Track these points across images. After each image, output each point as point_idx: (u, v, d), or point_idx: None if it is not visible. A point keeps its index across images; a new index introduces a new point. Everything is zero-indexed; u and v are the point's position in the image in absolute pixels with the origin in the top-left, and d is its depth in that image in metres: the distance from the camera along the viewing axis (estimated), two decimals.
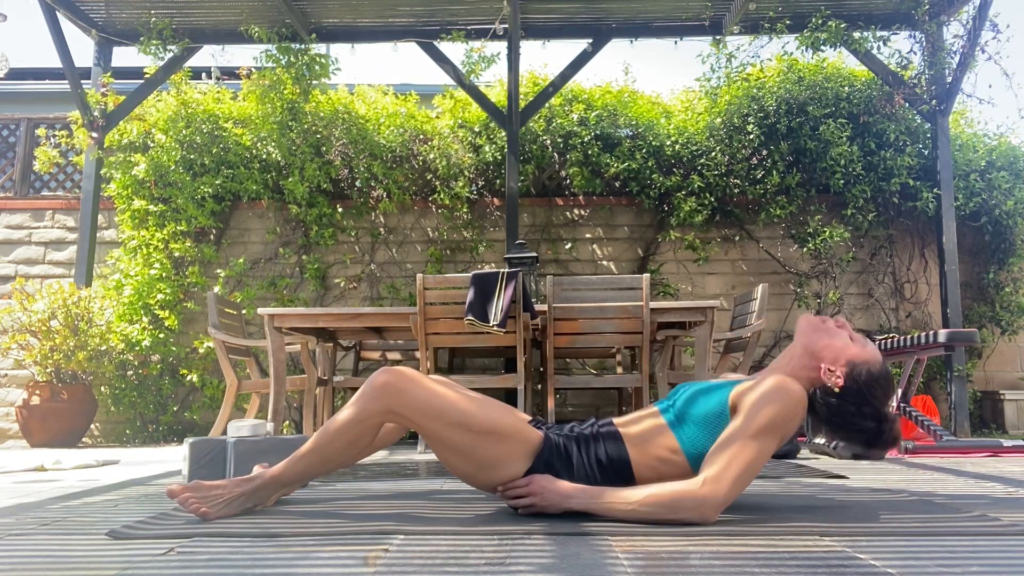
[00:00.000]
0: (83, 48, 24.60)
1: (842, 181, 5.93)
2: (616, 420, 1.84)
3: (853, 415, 1.70)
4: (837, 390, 1.70)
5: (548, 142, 6.22)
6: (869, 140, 6.04)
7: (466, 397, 1.73)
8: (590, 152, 6.10)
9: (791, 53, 6.22)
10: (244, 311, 5.23)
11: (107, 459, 3.68)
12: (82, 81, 6.04)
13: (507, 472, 1.73)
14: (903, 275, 6.15)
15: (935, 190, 5.72)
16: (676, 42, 6.32)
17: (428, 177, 6.28)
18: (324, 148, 6.15)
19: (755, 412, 1.61)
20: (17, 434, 5.82)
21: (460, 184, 6.08)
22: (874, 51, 5.84)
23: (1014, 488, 2.30)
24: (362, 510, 1.84)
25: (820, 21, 5.71)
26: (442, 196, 6.14)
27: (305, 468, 1.80)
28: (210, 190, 6.05)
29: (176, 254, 6.11)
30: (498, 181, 6.28)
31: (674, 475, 1.72)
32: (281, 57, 6.10)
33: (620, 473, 1.74)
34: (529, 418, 1.87)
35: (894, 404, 1.75)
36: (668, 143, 6.11)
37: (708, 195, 6.01)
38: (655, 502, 1.58)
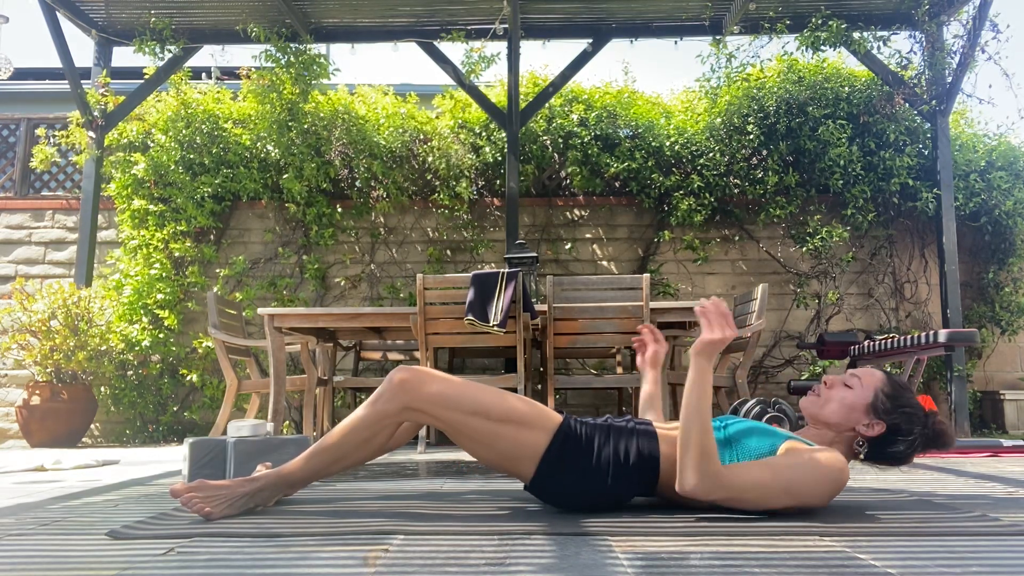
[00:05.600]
0: (83, 48, 24.61)
1: (841, 181, 5.94)
2: (655, 422, 1.85)
3: (906, 435, 1.77)
4: (883, 434, 1.77)
5: (548, 142, 6.22)
6: (869, 140, 6.04)
7: (481, 387, 1.75)
8: (590, 152, 6.10)
9: (791, 53, 6.22)
10: (244, 311, 5.23)
11: (107, 459, 3.68)
12: (82, 81, 6.04)
13: (529, 456, 1.73)
14: (903, 275, 6.15)
15: (935, 190, 5.72)
16: (676, 42, 6.33)
17: (428, 177, 6.28)
18: (324, 148, 6.15)
19: (798, 456, 1.62)
20: (17, 434, 5.82)
21: (461, 185, 6.08)
22: (874, 51, 5.84)
23: (1014, 488, 2.30)
24: (362, 510, 1.84)
25: (820, 21, 5.71)
26: (442, 196, 6.14)
27: (316, 468, 1.80)
28: (210, 190, 6.05)
29: (176, 254, 6.11)
30: (498, 181, 6.28)
31: None
32: (281, 57, 6.10)
33: (645, 470, 1.74)
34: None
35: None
36: (668, 143, 6.12)
37: (708, 195, 6.01)
38: (700, 443, 1.57)
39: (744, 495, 1.60)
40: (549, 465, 1.71)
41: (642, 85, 11.99)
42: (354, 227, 6.32)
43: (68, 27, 6.05)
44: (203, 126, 6.17)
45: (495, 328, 3.75)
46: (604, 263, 6.25)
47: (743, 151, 6.05)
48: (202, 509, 1.68)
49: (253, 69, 6.26)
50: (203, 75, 7.11)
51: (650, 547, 1.37)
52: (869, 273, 6.15)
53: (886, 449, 1.79)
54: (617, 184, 6.25)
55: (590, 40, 6.19)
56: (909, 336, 4.08)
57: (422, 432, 3.89)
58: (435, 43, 6.16)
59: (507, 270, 3.86)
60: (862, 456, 1.81)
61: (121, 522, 1.71)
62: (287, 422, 5.97)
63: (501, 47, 6.07)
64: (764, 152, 6.04)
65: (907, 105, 5.87)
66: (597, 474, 1.71)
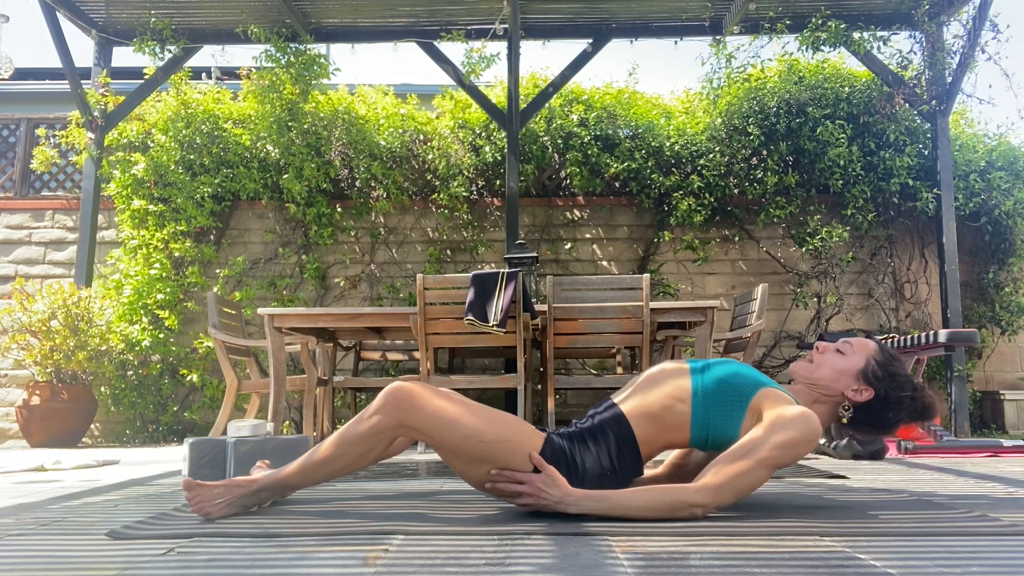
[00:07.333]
0: (83, 48, 24.62)
1: (841, 181, 5.94)
2: (616, 397, 1.85)
3: (895, 403, 1.80)
4: (871, 400, 1.80)
5: (548, 142, 6.22)
6: (869, 140, 6.04)
7: (476, 410, 1.74)
8: (590, 152, 6.10)
9: (791, 53, 6.22)
10: (244, 311, 5.23)
11: (107, 459, 3.68)
12: (82, 81, 6.04)
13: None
14: (903, 275, 6.15)
15: (935, 190, 5.72)
16: (676, 42, 6.33)
17: (428, 177, 6.28)
18: (324, 148, 6.15)
19: (773, 433, 1.64)
20: (17, 434, 5.82)
21: (459, 184, 6.08)
22: (874, 51, 5.84)
23: (1014, 488, 2.30)
24: (362, 510, 1.84)
25: (820, 21, 5.71)
26: (442, 196, 6.14)
27: (312, 477, 1.80)
28: (209, 190, 6.05)
29: (176, 254, 6.11)
30: (498, 181, 6.28)
31: (672, 426, 1.75)
32: (281, 57, 6.10)
33: (629, 458, 1.75)
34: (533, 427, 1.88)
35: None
36: (668, 143, 6.12)
37: (708, 195, 6.01)
38: (653, 507, 1.62)
39: (741, 495, 1.65)
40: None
41: (643, 86, 11.98)
42: (354, 227, 6.32)
43: (68, 27, 6.05)
44: (203, 126, 6.17)
45: (495, 328, 3.75)
46: (604, 263, 6.25)
47: (743, 151, 6.05)
48: (202, 508, 1.69)
49: (253, 69, 6.26)
50: (203, 75, 7.11)
51: (650, 547, 1.37)
52: (869, 273, 6.15)
53: (873, 416, 1.81)
54: (617, 184, 6.25)
55: (590, 40, 6.19)
56: (909, 336, 4.08)
57: None
58: (435, 43, 6.16)
59: (507, 270, 3.86)
60: (846, 420, 1.81)
61: (121, 522, 1.71)
62: (287, 422, 5.97)
63: (501, 47, 6.07)
64: (764, 152, 6.04)
65: (907, 105, 5.87)
66: (586, 484, 1.71)
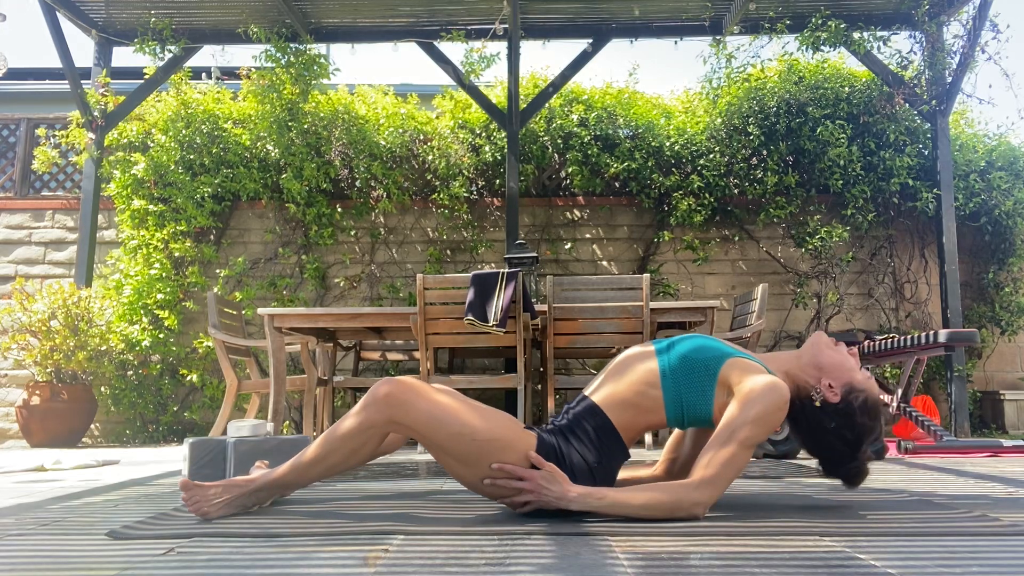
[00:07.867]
0: (83, 48, 24.60)
1: (840, 181, 5.94)
2: (587, 389, 1.86)
3: (832, 433, 1.79)
4: (831, 404, 1.78)
5: (548, 142, 6.22)
6: (869, 140, 6.04)
7: (468, 406, 1.72)
8: (590, 152, 6.10)
9: (791, 53, 6.22)
10: (244, 311, 5.23)
11: (107, 459, 3.69)
12: (82, 81, 6.04)
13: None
14: (903, 275, 6.15)
15: (935, 190, 5.72)
16: (676, 42, 6.33)
17: (428, 177, 6.29)
18: (324, 148, 6.15)
19: (747, 410, 1.66)
20: (17, 434, 5.82)
21: (459, 184, 6.08)
22: (874, 51, 5.84)
23: (1014, 488, 2.30)
24: (362, 510, 1.84)
25: (820, 21, 5.72)
26: (442, 196, 6.14)
27: (306, 476, 1.80)
28: (209, 190, 6.05)
29: (176, 254, 6.11)
30: (498, 181, 6.28)
31: (648, 409, 1.76)
32: (281, 57, 6.10)
33: (612, 447, 1.76)
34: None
35: (881, 430, 1.82)
36: (668, 143, 6.12)
37: (707, 195, 6.01)
38: (655, 506, 1.62)
39: (732, 478, 1.67)
40: None
41: (643, 86, 11.97)
42: (354, 227, 6.32)
43: (68, 27, 6.05)
44: (203, 126, 6.17)
45: (495, 328, 3.76)
46: (604, 263, 6.25)
47: (743, 151, 6.05)
48: (199, 509, 1.69)
49: (253, 69, 6.26)
50: (203, 75, 7.11)
51: (650, 547, 1.37)
52: (869, 273, 6.15)
53: (819, 416, 1.79)
54: (617, 184, 6.25)
55: (590, 40, 6.19)
56: (909, 336, 4.08)
57: None
58: (435, 43, 6.16)
59: (507, 270, 3.86)
60: (818, 403, 1.79)
61: (121, 522, 1.71)
62: (287, 422, 5.97)
63: (501, 47, 6.07)
64: (764, 152, 6.04)
65: (907, 105, 5.87)
66: (577, 478, 1.71)
